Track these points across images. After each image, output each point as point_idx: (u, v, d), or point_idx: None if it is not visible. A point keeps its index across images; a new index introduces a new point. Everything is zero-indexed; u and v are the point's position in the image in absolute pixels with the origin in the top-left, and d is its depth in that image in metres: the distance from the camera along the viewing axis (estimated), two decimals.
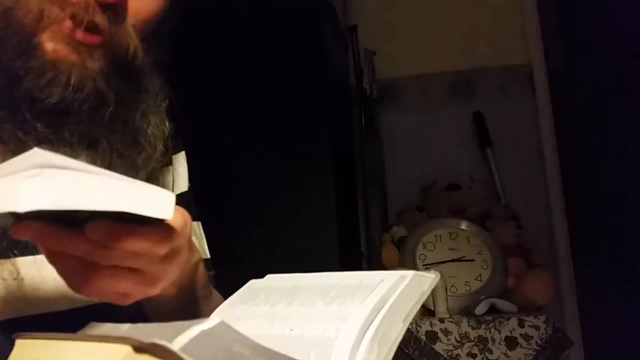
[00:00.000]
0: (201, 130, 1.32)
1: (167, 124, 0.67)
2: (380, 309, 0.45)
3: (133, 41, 0.58)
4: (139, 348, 0.35)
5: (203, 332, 0.37)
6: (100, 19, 0.54)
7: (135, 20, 0.58)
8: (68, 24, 0.53)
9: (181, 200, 0.71)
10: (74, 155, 0.55)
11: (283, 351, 0.40)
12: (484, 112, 2.29)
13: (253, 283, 0.57)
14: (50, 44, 0.53)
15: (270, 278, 0.57)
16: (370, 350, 0.41)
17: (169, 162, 0.72)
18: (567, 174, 2.22)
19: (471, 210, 2.08)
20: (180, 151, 0.75)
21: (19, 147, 0.52)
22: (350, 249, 1.93)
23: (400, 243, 2.03)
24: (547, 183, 2.26)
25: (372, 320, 0.44)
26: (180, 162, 0.75)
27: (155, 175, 0.64)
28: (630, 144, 1.81)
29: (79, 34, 0.54)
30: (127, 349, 0.36)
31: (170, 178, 0.72)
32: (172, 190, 0.71)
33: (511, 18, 2.38)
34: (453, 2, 2.40)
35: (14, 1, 0.52)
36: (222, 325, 0.40)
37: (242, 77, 1.54)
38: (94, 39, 0.55)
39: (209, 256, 0.76)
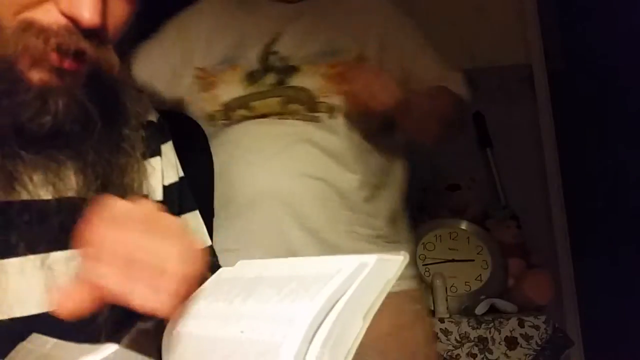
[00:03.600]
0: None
1: (145, 119, 0.69)
2: (333, 306, 0.41)
3: (114, 58, 0.58)
4: None
5: None
6: (85, 44, 0.53)
7: (112, 34, 0.57)
8: (54, 56, 0.52)
9: (171, 191, 0.72)
10: (62, 170, 0.57)
11: (224, 357, 0.38)
12: (484, 112, 2.29)
13: (222, 272, 0.55)
14: (36, 74, 0.52)
15: (241, 264, 0.55)
16: (320, 356, 0.38)
17: (158, 153, 0.72)
18: (567, 174, 2.22)
19: (471, 210, 2.08)
20: (167, 141, 0.75)
21: (6, 177, 0.53)
22: None
23: None
24: (547, 183, 2.26)
25: (323, 322, 0.40)
26: (169, 152, 0.75)
27: (142, 170, 0.65)
28: (630, 144, 1.81)
29: (66, 64, 0.53)
30: None
31: (159, 170, 0.72)
32: (162, 182, 0.72)
33: (511, 18, 2.38)
34: (453, 3, 2.40)
35: (6, 46, 0.50)
36: (119, 353, 0.38)
37: None
38: (81, 66, 0.54)
39: (210, 243, 0.77)
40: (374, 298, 0.41)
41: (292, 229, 1.24)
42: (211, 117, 1.32)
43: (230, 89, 1.31)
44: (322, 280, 0.43)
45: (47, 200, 0.56)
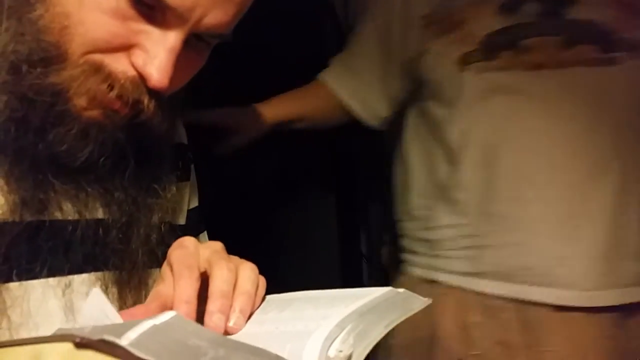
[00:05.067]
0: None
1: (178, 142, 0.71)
2: (365, 311, 0.46)
3: (167, 113, 0.59)
4: (81, 344, 0.34)
5: (155, 327, 0.36)
6: (145, 98, 0.54)
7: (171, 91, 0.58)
8: (114, 103, 0.53)
9: (193, 215, 0.73)
10: (90, 201, 0.57)
11: (260, 346, 0.39)
12: None
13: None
14: (86, 112, 0.53)
15: (270, 296, 0.58)
16: (345, 341, 0.41)
17: (188, 177, 0.73)
18: None
19: None
20: (192, 162, 0.76)
21: (36, 204, 0.53)
22: (351, 249, 1.93)
23: None
24: None
25: (354, 319, 0.44)
26: (194, 173, 0.76)
27: (169, 208, 0.66)
28: None
29: (123, 111, 0.54)
30: (66, 346, 0.34)
31: (187, 195, 0.73)
32: (188, 206, 0.73)
33: None
34: None
35: (68, 82, 0.51)
36: (177, 318, 0.39)
37: (240, 77, 1.54)
38: (131, 112, 0.55)
39: None
40: (397, 316, 0.47)
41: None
42: (464, 62, 1.03)
43: (486, 23, 1.03)
44: (358, 295, 0.49)
45: (73, 226, 0.57)
